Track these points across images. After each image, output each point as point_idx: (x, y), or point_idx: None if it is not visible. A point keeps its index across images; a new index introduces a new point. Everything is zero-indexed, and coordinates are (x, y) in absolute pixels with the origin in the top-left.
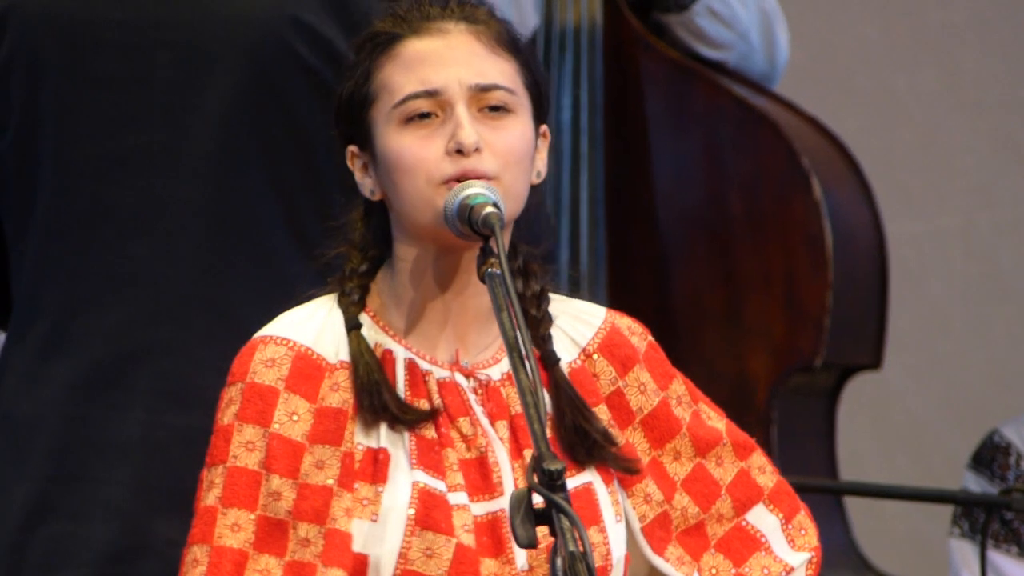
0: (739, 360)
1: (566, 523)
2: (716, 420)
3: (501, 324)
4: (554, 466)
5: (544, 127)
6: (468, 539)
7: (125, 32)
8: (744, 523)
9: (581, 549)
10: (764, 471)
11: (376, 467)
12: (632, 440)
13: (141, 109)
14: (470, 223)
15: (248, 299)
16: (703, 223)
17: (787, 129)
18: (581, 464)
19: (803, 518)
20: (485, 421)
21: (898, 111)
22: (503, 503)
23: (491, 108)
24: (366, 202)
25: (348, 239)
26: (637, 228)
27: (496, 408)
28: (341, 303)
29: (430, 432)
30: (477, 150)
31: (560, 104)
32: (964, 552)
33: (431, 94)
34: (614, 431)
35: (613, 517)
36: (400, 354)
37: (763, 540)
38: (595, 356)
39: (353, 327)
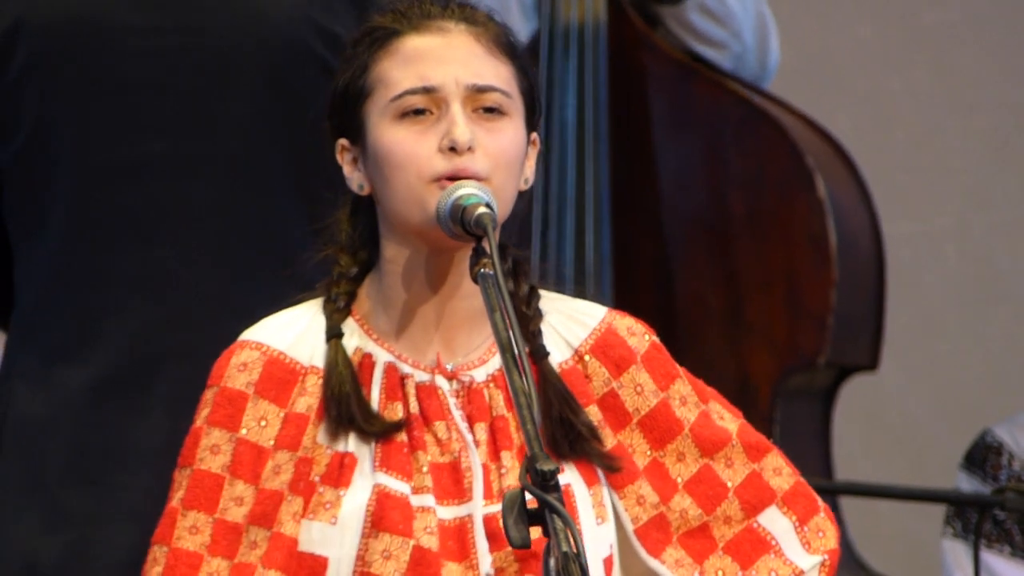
0: (741, 359)
1: (559, 523)
2: (729, 421)
3: (494, 325)
4: (547, 467)
5: (535, 135)
6: (429, 541)
7: (145, 38)
8: (755, 525)
9: (575, 550)
10: (780, 473)
11: (341, 471)
12: (631, 441)
13: (162, 114)
14: (463, 223)
15: (270, 303)
16: (706, 222)
17: (790, 128)
18: (564, 457)
19: (822, 520)
20: (463, 425)
21: (892, 111)
22: (472, 508)
23: (486, 109)
24: (353, 200)
25: (334, 240)
26: (640, 227)
27: (476, 410)
28: (326, 309)
29: (400, 435)
30: (470, 149)
31: (564, 103)
32: (957, 552)
33: (428, 90)
34: (603, 433)
35: (592, 519)
36: (381, 358)
37: (773, 543)
38: (587, 357)
39: (333, 335)
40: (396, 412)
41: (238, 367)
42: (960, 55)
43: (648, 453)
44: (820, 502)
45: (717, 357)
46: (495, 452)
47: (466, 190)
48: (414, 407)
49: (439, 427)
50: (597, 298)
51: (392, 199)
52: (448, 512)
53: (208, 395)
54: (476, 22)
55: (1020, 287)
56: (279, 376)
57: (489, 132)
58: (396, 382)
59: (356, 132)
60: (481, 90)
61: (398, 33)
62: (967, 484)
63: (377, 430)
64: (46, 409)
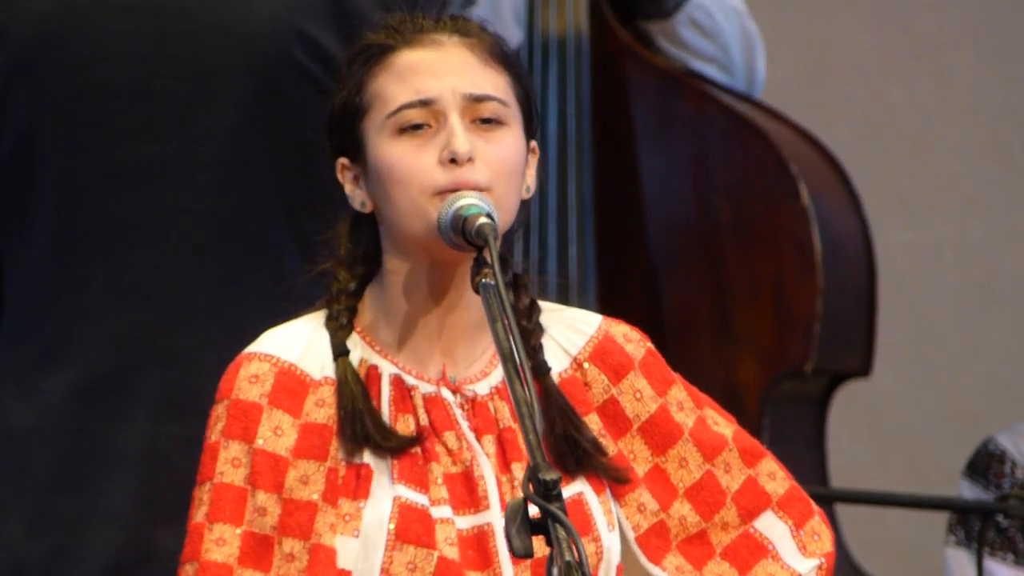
0: (729, 367)
1: (562, 533)
2: (723, 426)
3: (495, 334)
4: (549, 476)
5: (533, 143)
6: (451, 552)
7: (130, 44)
8: (752, 530)
9: (577, 559)
10: (774, 477)
11: (358, 483)
12: (632, 448)
13: (146, 120)
14: (464, 234)
15: (254, 309)
16: (691, 231)
17: (774, 136)
18: (571, 473)
19: (817, 524)
20: (471, 436)
21: (891, 119)
22: (489, 517)
23: (483, 120)
24: (354, 216)
25: (334, 255)
26: (626, 237)
27: (483, 423)
28: (329, 327)
29: (414, 448)
30: (470, 159)
31: (546, 114)
32: (960, 560)
33: (425, 103)
34: (605, 440)
35: (606, 526)
36: (386, 370)
37: (770, 547)
38: (586, 365)
39: (340, 353)
40: (408, 424)
41: (249, 379)
42: (959, 63)
43: (649, 459)
44: (815, 505)
45: (705, 365)
46: (505, 464)
47: (467, 200)
48: (423, 419)
49: (448, 437)
50: (581, 309)
51: (394, 214)
52: (465, 522)
53: (219, 409)
54: (469, 34)
55: (1020, 295)
56: (291, 387)
57: (488, 142)
58: (404, 394)
59: (355, 150)
60: (478, 100)
61: (392, 49)
62: (970, 492)
63: (394, 446)
64: (31, 414)
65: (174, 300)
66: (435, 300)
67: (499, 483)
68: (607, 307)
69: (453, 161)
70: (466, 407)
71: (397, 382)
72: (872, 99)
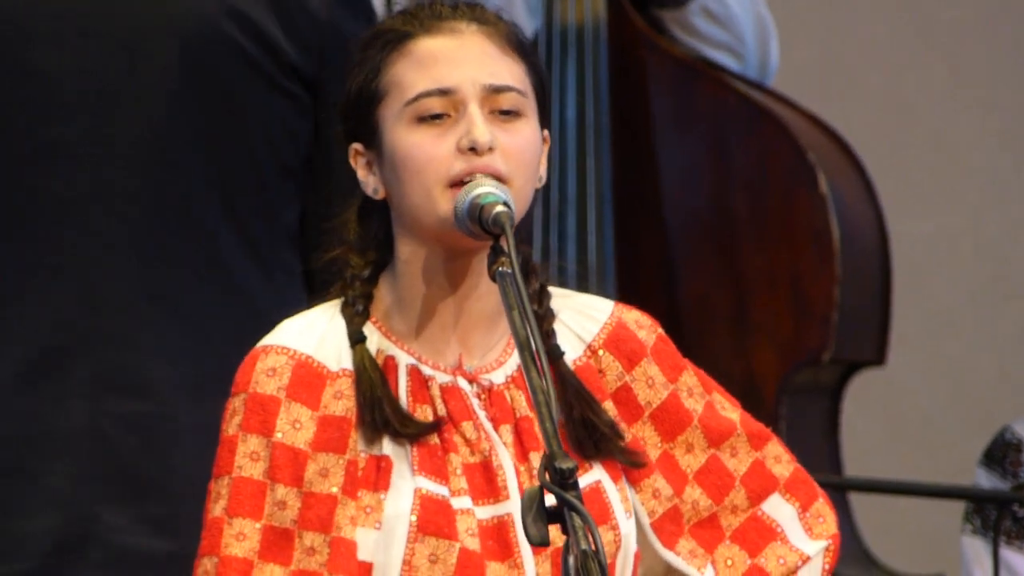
0: (747, 357)
1: (578, 521)
2: (731, 410)
3: (512, 323)
4: (566, 464)
5: (545, 132)
6: (473, 543)
7: (57, 23)
8: (760, 513)
9: (593, 547)
10: (780, 460)
11: (379, 474)
12: (642, 434)
13: (76, 99)
14: (480, 222)
15: (186, 284)
16: (709, 220)
17: (792, 126)
18: (589, 458)
19: (821, 506)
20: (488, 425)
21: (907, 109)
22: (509, 507)
23: (503, 112)
24: (363, 201)
25: (343, 240)
26: (644, 226)
27: (500, 412)
28: (345, 313)
29: (433, 438)
30: (491, 149)
31: (565, 103)
32: (976, 549)
33: (444, 92)
34: (621, 427)
35: (623, 514)
36: (403, 360)
37: (779, 530)
38: (600, 352)
39: (357, 341)
40: (426, 414)
41: (266, 372)
42: (975, 53)
43: (659, 445)
44: (819, 488)
45: (722, 355)
46: (523, 453)
47: (484, 189)
48: (441, 409)
49: (466, 427)
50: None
51: (409, 203)
52: (485, 512)
53: (236, 403)
54: (487, 22)
55: None
56: (308, 380)
57: (508, 133)
58: (421, 384)
59: (370, 136)
60: (498, 90)
61: (410, 35)
62: (986, 481)
63: (412, 432)
64: None
65: (109, 279)
66: (451, 289)
67: (517, 472)
68: (625, 296)
69: (472, 150)
70: (483, 396)
71: (414, 372)
72: (887, 90)
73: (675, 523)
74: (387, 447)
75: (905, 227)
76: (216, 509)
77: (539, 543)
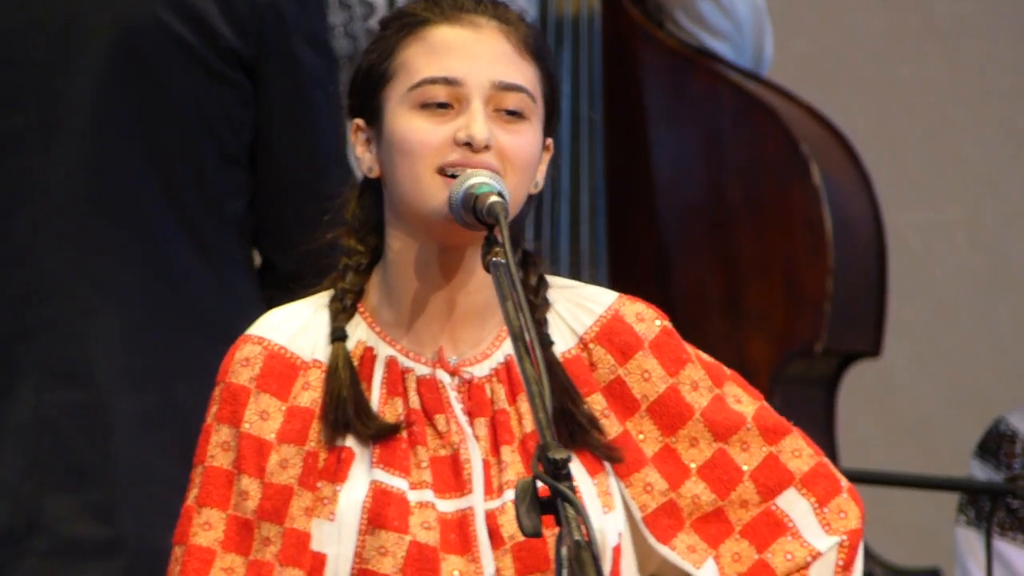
0: (740, 347)
1: (571, 512)
2: (746, 404)
3: (506, 313)
4: (559, 455)
5: (549, 141)
6: (427, 536)
7: None
8: (773, 508)
9: (586, 538)
10: (799, 455)
11: (338, 466)
12: (641, 428)
13: (13, 90)
14: (475, 212)
15: (129, 272)
16: (703, 211)
17: (785, 116)
18: (564, 447)
19: (844, 500)
20: (463, 419)
21: (904, 101)
22: (472, 500)
23: (507, 112)
24: (362, 183)
25: (341, 219)
26: (637, 217)
27: (476, 406)
28: (332, 308)
29: (395, 434)
30: (487, 147)
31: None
32: (970, 540)
33: (450, 82)
34: (609, 420)
35: (599, 509)
36: (383, 352)
37: (790, 525)
38: (591, 345)
39: (337, 338)
40: (396, 408)
41: (241, 362)
42: (973, 45)
43: (660, 439)
44: (844, 482)
45: (715, 345)
46: (495, 447)
47: (479, 179)
48: (414, 402)
49: (439, 420)
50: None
51: (399, 186)
52: (449, 505)
53: (216, 392)
54: (508, 21)
55: None
56: (280, 371)
57: (508, 134)
58: (397, 377)
59: (373, 114)
60: (507, 88)
61: (428, 22)
62: (980, 472)
63: (373, 432)
64: None
65: (51, 269)
66: (442, 282)
67: (487, 466)
68: (619, 286)
69: (468, 145)
70: (462, 389)
71: (392, 364)
72: (885, 81)
73: (672, 517)
74: (350, 439)
75: (902, 218)
76: (190, 497)
77: (532, 534)
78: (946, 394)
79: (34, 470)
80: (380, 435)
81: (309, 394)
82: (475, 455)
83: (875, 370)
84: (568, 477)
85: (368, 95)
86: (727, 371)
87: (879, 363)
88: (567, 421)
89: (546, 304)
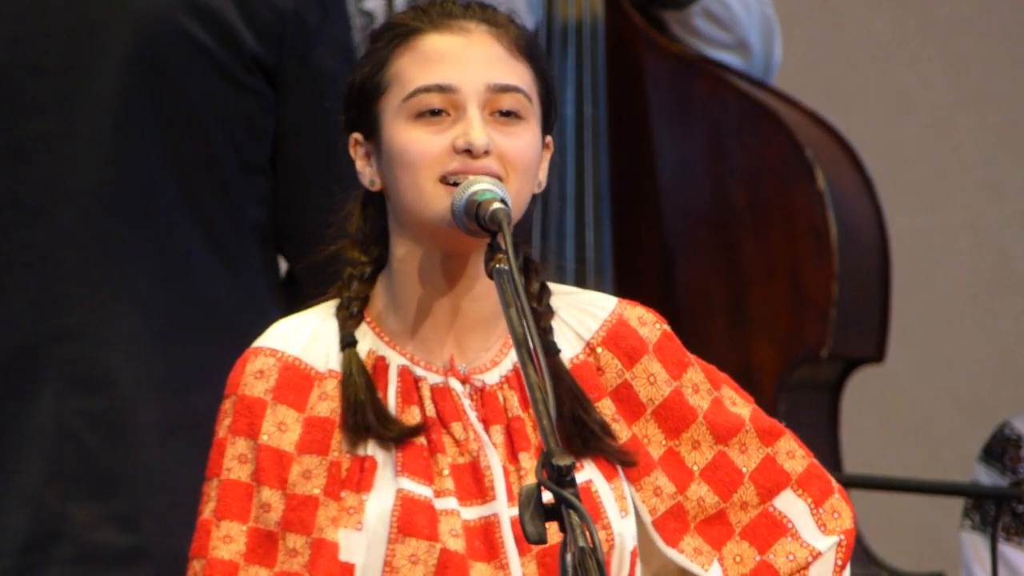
0: (745, 352)
1: (575, 519)
2: (741, 406)
3: (509, 320)
4: (563, 462)
5: (548, 138)
6: (455, 544)
7: (12, 22)
8: (771, 509)
9: (591, 545)
10: (793, 456)
11: (362, 475)
12: (646, 431)
13: (34, 98)
14: (477, 219)
15: (149, 280)
16: (707, 216)
17: (789, 121)
18: (578, 455)
19: (836, 501)
20: (479, 426)
21: (905, 105)
22: (496, 507)
23: (503, 113)
24: (364, 194)
25: (346, 232)
26: (642, 222)
27: (491, 413)
28: (339, 316)
29: (419, 438)
30: (486, 152)
31: (563, 99)
32: (975, 545)
33: (444, 89)
34: (619, 425)
35: (617, 513)
36: (394, 361)
37: (789, 526)
38: (599, 350)
39: (347, 344)
40: (413, 415)
41: (254, 375)
42: (973, 48)
43: (663, 443)
44: (834, 483)
45: (721, 350)
46: (513, 454)
47: (481, 185)
48: (430, 410)
49: (456, 428)
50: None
51: (402, 197)
52: (472, 513)
53: (227, 405)
54: (497, 24)
55: None
56: (296, 381)
57: (506, 136)
58: (411, 385)
59: (370, 127)
60: (502, 89)
61: (418, 31)
62: (985, 477)
63: (395, 435)
64: None
65: (73, 276)
66: (446, 289)
67: (506, 473)
68: (623, 291)
69: (468, 151)
70: (475, 397)
71: (404, 373)
72: (886, 84)
73: (679, 520)
74: (372, 448)
75: (903, 222)
76: (206, 511)
77: (537, 541)
78: (950, 398)
79: (57, 478)
80: (402, 438)
81: (328, 404)
82: (495, 462)
83: (878, 375)
84: (572, 483)
85: (363, 108)
86: (720, 374)
87: (882, 368)
88: (580, 429)
89: (550, 311)
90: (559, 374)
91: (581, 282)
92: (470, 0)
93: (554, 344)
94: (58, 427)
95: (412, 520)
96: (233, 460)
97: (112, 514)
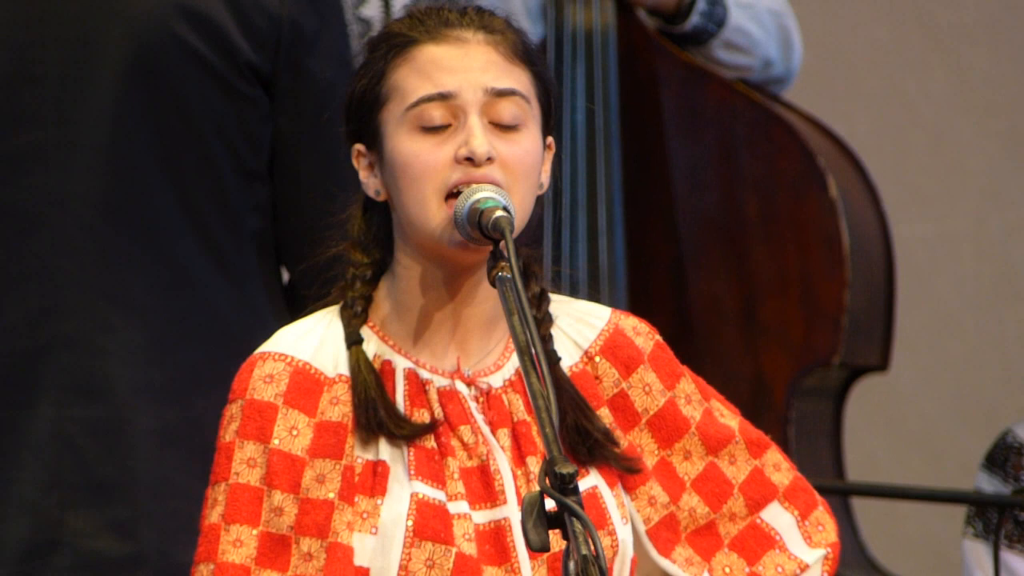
0: (756, 360)
1: (578, 526)
2: (729, 418)
3: (512, 328)
4: (566, 469)
5: (550, 139)
6: (469, 548)
7: (7, 30)
8: (759, 521)
9: (594, 552)
10: (779, 468)
11: (375, 480)
12: (639, 441)
13: (30, 106)
14: (480, 227)
15: (147, 287)
16: (719, 224)
17: (801, 130)
18: (583, 463)
19: (821, 514)
20: (486, 429)
21: (908, 113)
22: (506, 511)
23: (504, 125)
24: (366, 199)
25: (347, 235)
26: (654, 229)
27: (497, 416)
28: (343, 315)
29: (430, 442)
30: (489, 160)
31: (574, 107)
32: (978, 553)
33: (444, 97)
34: (617, 433)
35: (620, 520)
36: (400, 365)
37: (778, 538)
38: (597, 359)
39: (353, 342)
40: (423, 418)
41: (263, 379)
42: (975, 56)
43: (656, 452)
44: (818, 496)
45: (732, 358)
46: (520, 458)
47: (484, 194)
48: (439, 413)
49: (464, 431)
50: (612, 301)
51: (407, 209)
52: (482, 516)
53: (233, 409)
54: (494, 30)
55: None
56: (306, 386)
57: (508, 144)
58: (418, 388)
59: (372, 138)
60: (500, 93)
61: (415, 41)
62: (988, 484)
63: (407, 433)
64: None
65: (70, 284)
66: (449, 295)
67: (515, 476)
68: (636, 300)
69: (470, 160)
70: (481, 400)
71: (412, 376)
72: (889, 92)
73: (671, 530)
74: (384, 452)
75: (907, 230)
76: (213, 515)
77: (540, 549)
78: (952, 406)
79: (55, 486)
80: (413, 436)
81: (339, 408)
82: (504, 466)
83: (882, 383)
84: (576, 491)
85: (365, 120)
86: (707, 386)
87: (886, 376)
88: (583, 437)
89: (549, 319)
90: (561, 383)
91: (594, 290)
92: (466, 6)
93: (555, 352)
94: (56, 435)
95: (428, 524)
96: (242, 464)
97: (110, 522)
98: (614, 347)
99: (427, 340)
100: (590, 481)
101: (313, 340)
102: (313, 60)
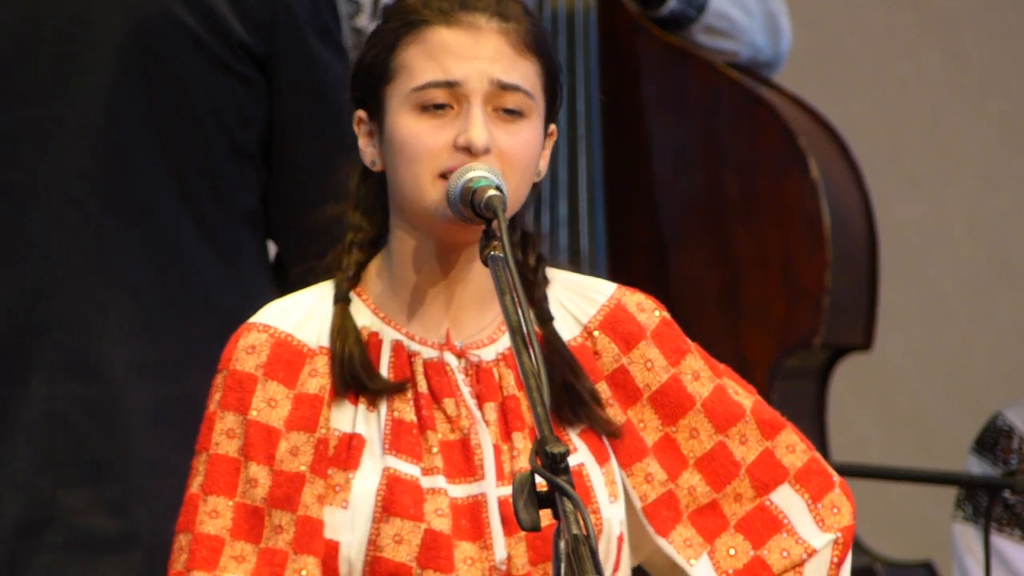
0: (738, 341)
1: (569, 506)
2: (744, 396)
3: (504, 307)
4: (557, 449)
5: (552, 126)
6: (441, 524)
7: (6, 8)
8: (768, 503)
9: (584, 532)
10: (793, 450)
11: (349, 453)
12: (642, 417)
13: (24, 85)
14: (472, 206)
15: (140, 266)
16: (700, 205)
17: (783, 110)
18: (568, 423)
19: (836, 496)
20: (472, 403)
21: (902, 96)
22: (484, 486)
23: (507, 111)
24: (364, 167)
25: (345, 193)
26: (636, 211)
27: (486, 390)
28: (336, 277)
29: (409, 415)
30: (487, 151)
31: None
32: (967, 536)
33: (450, 84)
34: (614, 409)
35: (607, 498)
36: (388, 336)
37: (785, 521)
38: (596, 333)
39: (340, 299)
40: (405, 391)
41: (246, 350)
42: (970, 39)
43: (660, 428)
44: (836, 478)
45: (714, 339)
46: (506, 432)
47: (476, 172)
48: (422, 386)
49: (448, 404)
50: None
51: (401, 185)
52: (460, 491)
53: (219, 379)
54: (508, 18)
55: None
56: (287, 358)
57: (508, 133)
58: (404, 360)
59: (375, 109)
60: (505, 87)
61: (429, 23)
62: (977, 467)
63: (379, 387)
64: None
65: (64, 263)
66: (443, 271)
67: (498, 452)
68: (617, 280)
69: (467, 149)
70: (470, 372)
71: (398, 348)
72: (883, 75)
73: (671, 509)
74: (360, 424)
75: (899, 211)
76: (194, 485)
77: (530, 528)
78: (943, 388)
79: (48, 464)
80: (388, 391)
81: (317, 381)
82: (486, 440)
83: (872, 364)
84: (566, 471)
85: (370, 90)
86: (721, 365)
87: (876, 357)
88: (569, 394)
89: (545, 281)
90: (552, 341)
91: (574, 271)
92: None
93: (548, 311)
94: (49, 413)
95: (397, 499)
96: (222, 435)
97: (103, 499)
98: (614, 322)
99: (420, 315)
100: (577, 458)
101: (300, 312)
102: (307, 40)
